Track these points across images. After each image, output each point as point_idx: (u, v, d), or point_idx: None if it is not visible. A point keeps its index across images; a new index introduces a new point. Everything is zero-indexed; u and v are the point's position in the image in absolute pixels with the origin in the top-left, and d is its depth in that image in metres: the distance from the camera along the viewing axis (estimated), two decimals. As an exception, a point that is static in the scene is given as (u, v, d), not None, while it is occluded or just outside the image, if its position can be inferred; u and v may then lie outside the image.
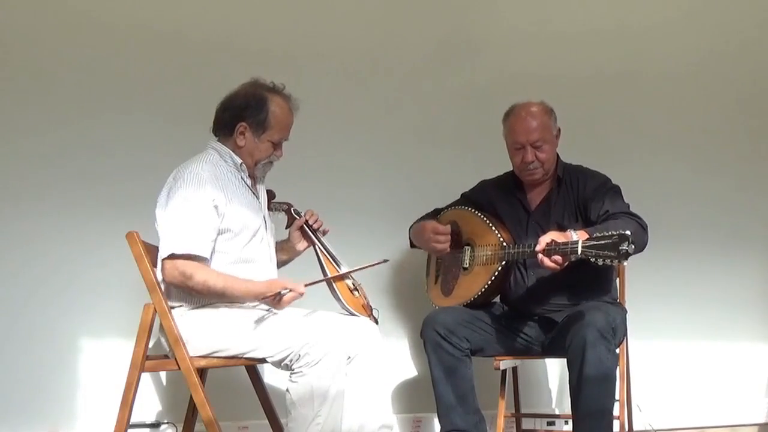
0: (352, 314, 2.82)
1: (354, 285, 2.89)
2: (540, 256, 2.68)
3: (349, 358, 2.68)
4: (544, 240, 2.68)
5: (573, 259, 2.65)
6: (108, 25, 3.38)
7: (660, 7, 4.00)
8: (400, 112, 3.70)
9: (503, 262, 2.98)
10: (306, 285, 2.66)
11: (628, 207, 2.95)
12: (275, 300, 2.62)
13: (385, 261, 2.84)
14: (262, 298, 2.62)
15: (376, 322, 2.88)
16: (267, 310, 2.69)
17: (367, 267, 2.82)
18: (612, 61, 3.93)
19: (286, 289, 2.61)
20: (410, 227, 3.28)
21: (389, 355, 3.27)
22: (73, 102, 3.34)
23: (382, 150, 3.66)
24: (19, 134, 3.29)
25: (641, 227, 2.82)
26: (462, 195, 3.30)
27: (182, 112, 3.32)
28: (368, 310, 2.88)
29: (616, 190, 3.02)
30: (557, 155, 3.13)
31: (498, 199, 3.18)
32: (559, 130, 3.10)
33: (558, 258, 2.66)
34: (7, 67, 3.29)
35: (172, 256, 2.61)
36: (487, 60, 3.79)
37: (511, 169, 3.20)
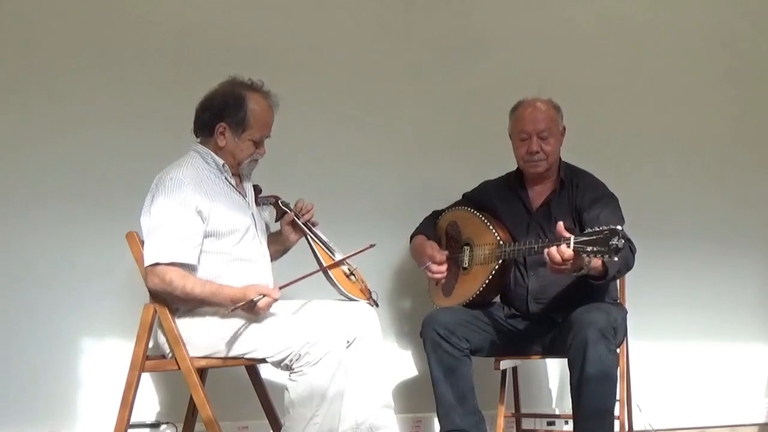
0: (351, 299, 2.83)
1: (350, 270, 2.89)
2: (548, 250, 2.61)
3: (348, 342, 2.69)
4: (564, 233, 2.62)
5: (584, 271, 2.64)
6: (109, 23, 3.41)
7: (665, 7, 3.99)
8: (401, 111, 3.70)
9: (500, 261, 2.97)
10: (281, 287, 2.64)
11: (623, 221, 2.92)
12: (249, 306, 2.56)
13: (372, 246, 2.81)
14: (233, 308, 2.55)
15: (376, 304, 2.89)
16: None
17: (354, 254, 2.82)
18: (613, 62, 3.92)
19: (260, 295, 2.56)
20: (412, 236, 3.27)
21: (389, 355, 3.28)
22: (72, 103, 3.34)
23: (383, 150, 3.66)
24: (19, 135, 3.29)
25: (630, 250, 2.84)
26: (463, 195, 3.31)
27: (181, 112, 3.31)
28: (367, 294, 2.89)
29: (612, 206, 2.99)
30: (560, 158, 3.13)
31: (499, 199, 3.18)
32: (564, 128, 3.11)
33: (566, 252, 2.55)
34: (7, 69, 3.30)
35: (155, 265, 2.59)
36: (489, 60, 3.78)
37: (513, 170, 3.21)
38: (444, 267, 3.08)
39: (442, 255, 3.08)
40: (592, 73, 3.89)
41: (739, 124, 4.05)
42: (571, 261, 2.59)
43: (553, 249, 2.59)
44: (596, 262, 2.66)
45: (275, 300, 2.60)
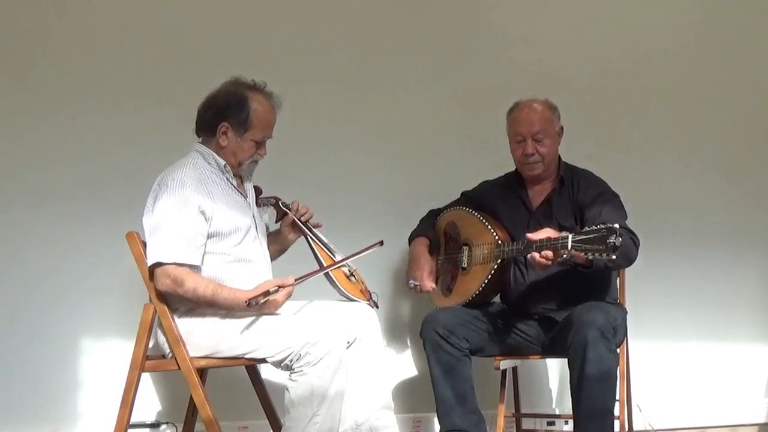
0: (351, 300, 2.84)
1: (350, 271, 2.90)
2: (531, 254, 2.70)
3: (349, 343, 2.69)
4: (537, 235, 2.69)
5: (565, 256, 2.65)
6: (110, 24, 3.41)
7: (668, 7, 3.99)
8: (401, 112, 3.70)
9: (499, 260, 2.97)
10: (296, 279, 2.64)
11: (626, 217, 2.95)
12: (263, 301, 2.57)
13: (380, 243, 2.81)
14: (249, 300, 2.55)
15: (376, 305, 2.89)
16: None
17: (361, 252, 2.81)
18: (613, 62, 3.92)
19: (275, 287, 2.57)
20: (411, 237, 3.28)
21: (389, 356, 3.29)
22: (72, 103, 3.34)
23: (383, 152, 3.66)
24: (19, 134, 3.29)
25: (633, 243, 2.84)
26: (462, 194, 3.31)
27: (181, 112, 3.32)
28: (367, 295, 2.90)
29: (614, 201, 3.00)
30: (559, 157, 3.13)
31: (499, 199, 3.18)
32: (562, 128, 3.11)
33: (549, 253, 2.66)
34: (7, 66, 3.30)
35: (158, 264, 2.60)
36: (492, 60, 3.78)
37: (512, 170, 3.21)
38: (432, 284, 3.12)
39: (430, 284, 3.09)
40: (592, 74, 3.88)
41: (741, 123, 4.05)
42: (553, 260, 2.68)
43: (537, 256, 2.68)
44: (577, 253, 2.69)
45: (291, 290, 2.61)
